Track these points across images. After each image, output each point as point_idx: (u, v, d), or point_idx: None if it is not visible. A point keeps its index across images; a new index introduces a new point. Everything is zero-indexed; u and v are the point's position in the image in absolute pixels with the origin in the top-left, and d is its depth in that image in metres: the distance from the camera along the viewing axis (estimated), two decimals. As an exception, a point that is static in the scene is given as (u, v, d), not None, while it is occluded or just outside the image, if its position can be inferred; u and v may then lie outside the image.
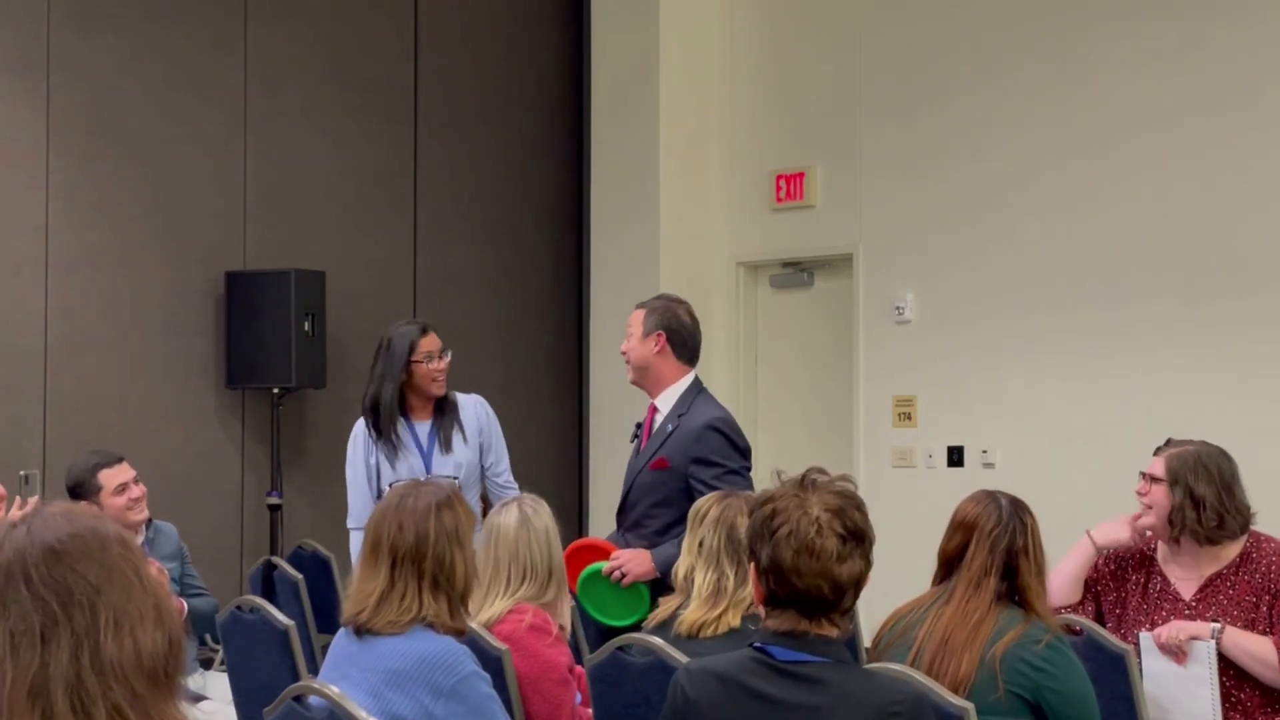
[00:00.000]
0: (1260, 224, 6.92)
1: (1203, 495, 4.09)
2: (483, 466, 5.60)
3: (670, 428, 5.04)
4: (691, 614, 3.92)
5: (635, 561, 4.90)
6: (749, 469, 5.05)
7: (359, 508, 5.46)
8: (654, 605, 4.25)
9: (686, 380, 5.13)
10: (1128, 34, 7.32)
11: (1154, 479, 4.19)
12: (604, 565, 4.91)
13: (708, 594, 3.94)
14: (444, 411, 5.55)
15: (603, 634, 4.84)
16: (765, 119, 8.65)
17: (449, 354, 5.54)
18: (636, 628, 4.63)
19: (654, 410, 5.15)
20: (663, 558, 4.83)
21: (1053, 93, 7.54)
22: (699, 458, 4.94)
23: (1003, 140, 7.71)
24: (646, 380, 5.17)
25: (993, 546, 3.54)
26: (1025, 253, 7.60)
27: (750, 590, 3.87)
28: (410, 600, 3.43)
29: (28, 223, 7.28)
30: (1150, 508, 4.19)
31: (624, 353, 5.21)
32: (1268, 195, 6.90)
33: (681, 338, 5.12)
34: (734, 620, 3.89)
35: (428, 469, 5.43)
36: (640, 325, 5.14)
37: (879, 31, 8.20)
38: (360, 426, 5.58)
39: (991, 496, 3.66)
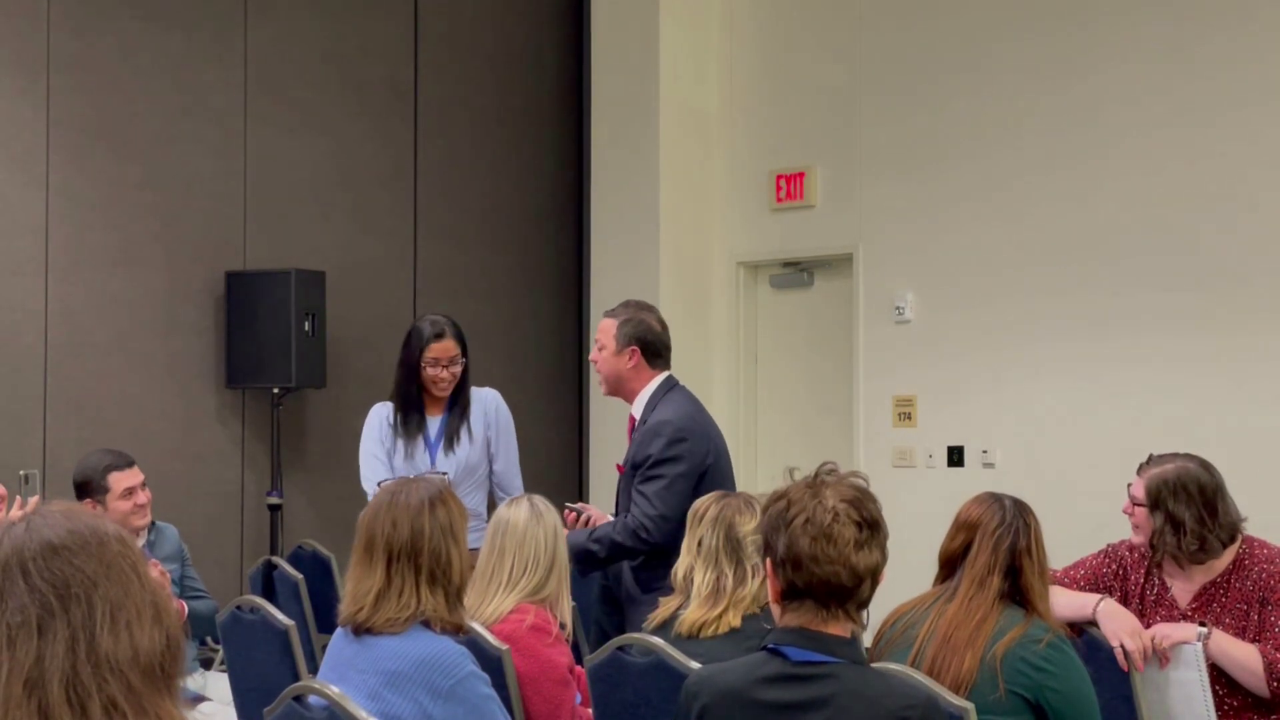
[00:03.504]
0: (1260, 220, 6.92)
1: (1182, 519, 4.06)
2: (491, 468, 5.60)
3: (637, 434, 5.05)
4: (692, 614, 3.92)
5: None
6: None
7: (371, 471, 5.47)
8: (654, 605, 4.24)
9: (654, 383, 5.09)
10: (1126, 33, 7.32)
11: (1137, 501, 4.18)
12: None
13: (707, 594, 3.94)
14: (456, 409, 5.56)
15: (603, 634, 4.84)
16: (765, 119, 8.65)
17: (462, 361, 5.54)
18: None
19: (633, 420, 5.15)
20: (572, 544, 4.69)
21: (1052, 92, 7.54)
22: (637, 461, 4.93)
23: (1003, 139, 7.70)
24: (621, 392, 5.15)
25: (996, 545, 3.55)
26: (1025, 252, 7.60)
27: (750, 589, 3.88)
28: (408, 597, 3.42)
29: (27, 223, 7.28)
30: (1138, 528, 4.19)
31: (594, 361, 5.18)
32: (1268, 191, 6.90)
33: (655, 348, 5.09)
34: (734, 620, 3.89)
35: (432, 464, 5.44)
36: (612, 339, 5.09)
37: (879, 32, 8.19)
38: (381, 407, 5.63)
39: (995, 498, 3.67)
